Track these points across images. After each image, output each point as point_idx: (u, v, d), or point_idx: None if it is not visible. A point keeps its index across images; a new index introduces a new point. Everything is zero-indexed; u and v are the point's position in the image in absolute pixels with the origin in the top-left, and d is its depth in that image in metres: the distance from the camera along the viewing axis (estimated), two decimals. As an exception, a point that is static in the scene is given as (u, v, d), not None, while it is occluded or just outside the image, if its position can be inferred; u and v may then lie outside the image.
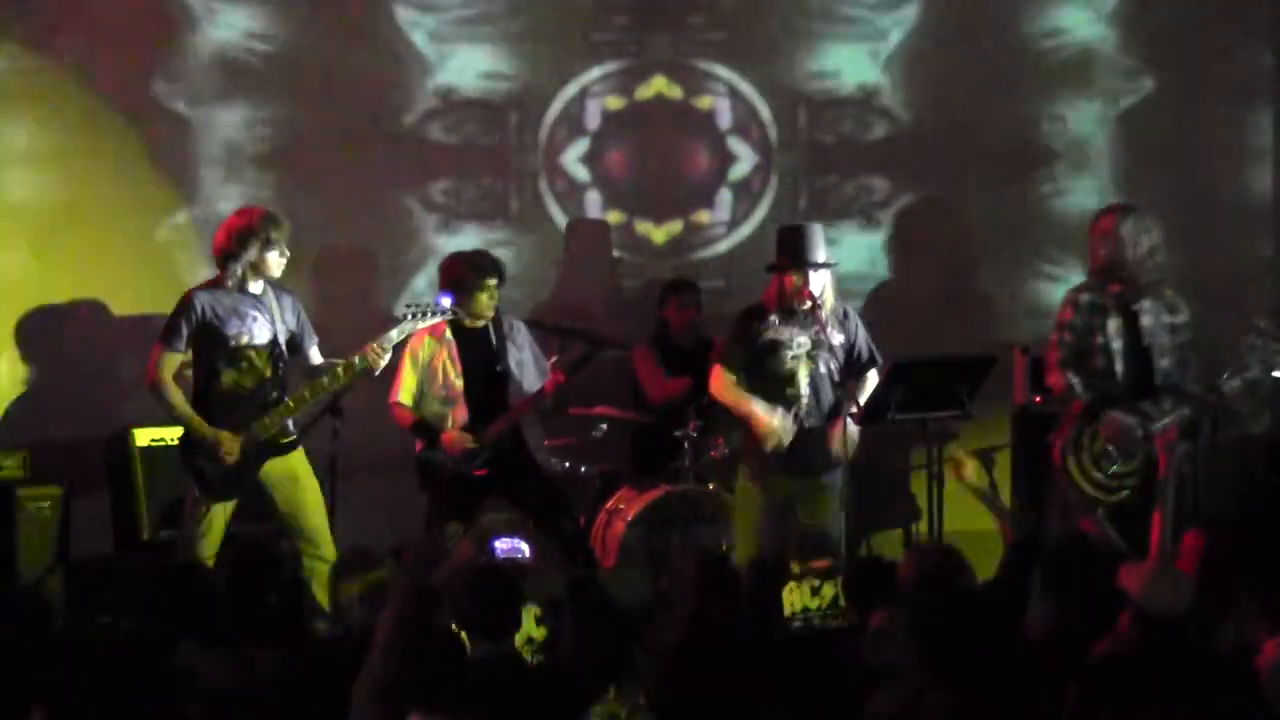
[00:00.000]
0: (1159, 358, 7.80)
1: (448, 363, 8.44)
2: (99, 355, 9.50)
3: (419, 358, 8.45)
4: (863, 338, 8.11)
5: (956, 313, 10.17)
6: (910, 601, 5.70)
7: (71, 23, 9.45)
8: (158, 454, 8.86)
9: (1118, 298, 7.84)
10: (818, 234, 8.02)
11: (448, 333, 8.45)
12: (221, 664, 5.71)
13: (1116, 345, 7.81)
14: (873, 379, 8.05)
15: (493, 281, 8.39)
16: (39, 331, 9.51)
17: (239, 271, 7.78)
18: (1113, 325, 7.82)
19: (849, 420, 7.87)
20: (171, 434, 8.76)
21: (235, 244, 7.75)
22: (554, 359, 8.53)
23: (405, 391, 8.44)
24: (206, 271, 8.47)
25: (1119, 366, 7.79)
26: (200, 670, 5.56)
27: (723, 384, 8.07)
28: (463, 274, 8.39)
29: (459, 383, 8.44)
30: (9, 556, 8.64)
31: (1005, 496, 9.31)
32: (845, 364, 8.01)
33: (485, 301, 8.41)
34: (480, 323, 8.46)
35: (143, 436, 8.90)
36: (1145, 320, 7.83)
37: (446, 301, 8.06)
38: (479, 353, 8.48)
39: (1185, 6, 10.25)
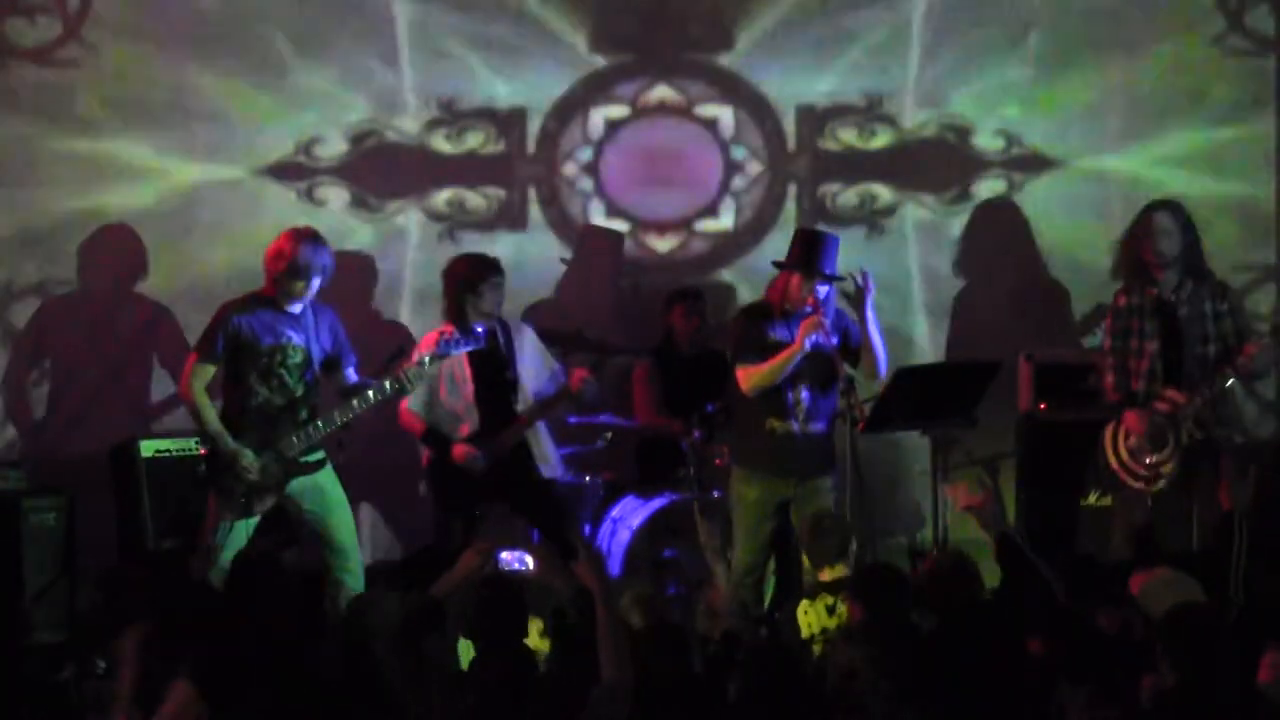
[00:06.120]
0: (1196, 346, 7.92)
1: (457, 368, 8.45)
2: (105, 366, 9.52)
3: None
4: (853, 331, 8.07)
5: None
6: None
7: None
8: (163, 464, 8.88)
9: (1155, 298, 7.94)
10: (834, 246, 7.94)
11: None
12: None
13: (1153, 345, 7.90)
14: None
15: (499, 279, 8.49)
16: (45, 340, 9.56)
17: (280, 291, 7.78)
18: (1150, 326, 7.90)
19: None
20: (176, 445, 8.80)
21: (277, 264, 7.73)
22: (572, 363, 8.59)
23: (415, 399, 8.44)
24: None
25: (1158, 365, 7.93)
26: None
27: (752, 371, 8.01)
28: (471, 272, 8.46)
29: (468, 388, 8.46)
30: (14, 567, 8.64)
31: (1009, 501, 9.27)
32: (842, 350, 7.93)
33: (493, 298, 8.47)
34: (487, 321, 8.48)
35: (148, 447, 8.91)
36: (1183, 312, 7.93)
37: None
38: (489, 359, 8.48)
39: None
